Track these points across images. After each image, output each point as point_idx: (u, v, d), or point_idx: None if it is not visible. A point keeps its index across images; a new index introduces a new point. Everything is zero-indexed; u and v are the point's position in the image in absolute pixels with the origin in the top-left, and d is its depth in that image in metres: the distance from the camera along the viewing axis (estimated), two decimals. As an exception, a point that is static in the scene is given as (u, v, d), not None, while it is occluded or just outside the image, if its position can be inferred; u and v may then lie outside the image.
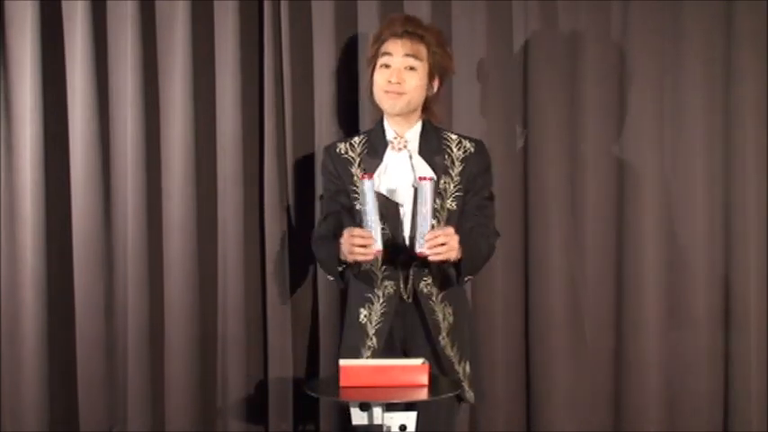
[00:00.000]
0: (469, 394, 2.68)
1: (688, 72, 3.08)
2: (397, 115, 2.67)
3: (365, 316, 2.68)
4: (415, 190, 2.64)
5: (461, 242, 2.49)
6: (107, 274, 3.10)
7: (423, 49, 2.65)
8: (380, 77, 2.66)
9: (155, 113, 3.07)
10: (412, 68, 2.64)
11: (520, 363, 3.13)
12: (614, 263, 3.13)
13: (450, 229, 2.49)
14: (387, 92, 2.65)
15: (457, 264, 2.56)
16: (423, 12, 3.01)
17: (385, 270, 2.64)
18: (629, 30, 3.09)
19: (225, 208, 3.08)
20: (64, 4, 3.07)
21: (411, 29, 2.65)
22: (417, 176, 2.52)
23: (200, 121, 3.06)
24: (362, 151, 2.72)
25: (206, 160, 3.09)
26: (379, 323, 2.66)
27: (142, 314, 3.05)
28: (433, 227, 2.49)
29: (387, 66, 2.65)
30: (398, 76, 2.63)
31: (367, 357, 2.64)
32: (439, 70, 2.70)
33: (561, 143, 3.10)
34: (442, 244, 2.45)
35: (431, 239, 2.45)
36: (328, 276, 2.69)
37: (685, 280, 3.11)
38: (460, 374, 2.67)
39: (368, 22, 3.03)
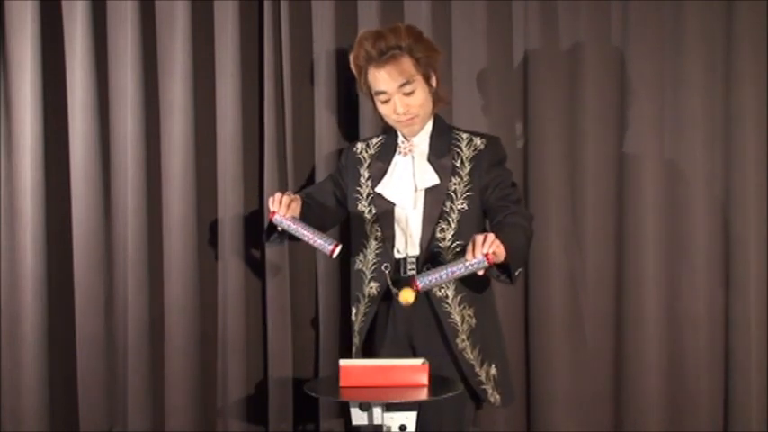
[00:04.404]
0: (494, 397, 2.63)
1: (688, 73, 3.07)
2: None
3: (354, 314, 2.73)
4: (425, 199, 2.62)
5: (499, 238, 2.31)
6: (107, 274, 3.10)
7: (409, 64, 2.55)
8: (385, 110, 2.62)
9: (155, 113, 3.07)
10: (411, 92, 2.57)
11: (520, 363, 3.13)
12: (614, 263, 3.13)
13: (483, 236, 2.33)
14: (399, 122, 2.62)
15: (502, 264, 2.37)
16: (422, 12, 3.01)
17: (373, 271, 2.64)
18: (629, 31, 3.08)
19: (225, 208, 3.08)
20: (64, 4, 3.07)
21: (386, 48, 2.53)
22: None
23: (200, 121, 3.06)
24: (375, 153, 2.73)
25: (206, 160, 3.09)
26: (361, 323, 2.69)
27: (142, 314, 3.05)
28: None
29: (387, 101, 2.59)
30: (403, 106, 2.58)
31: (353, 355, 2.71)
32: (431, 66, 2.61)
33: (561, 144, 3.10)
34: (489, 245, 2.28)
35: (476, 249, 2.27)
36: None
37: (685, 280, 3.11)
38: (482, 377, 2.61)
39: (368, 22, 3.02)
